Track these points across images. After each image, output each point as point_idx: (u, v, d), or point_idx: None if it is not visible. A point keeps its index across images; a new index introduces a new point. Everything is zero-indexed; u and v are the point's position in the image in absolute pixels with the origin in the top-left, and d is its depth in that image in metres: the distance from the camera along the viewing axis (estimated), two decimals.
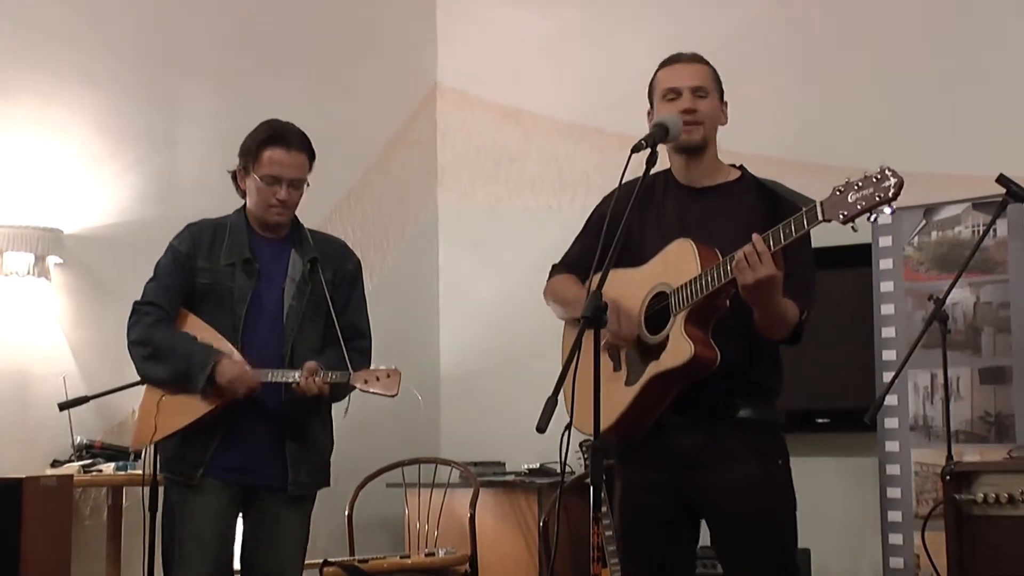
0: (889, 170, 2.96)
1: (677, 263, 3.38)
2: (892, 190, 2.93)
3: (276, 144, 4.22)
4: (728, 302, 3.31)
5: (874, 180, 2.97)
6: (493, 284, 7.39)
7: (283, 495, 4.21)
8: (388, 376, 4.16)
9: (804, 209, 3.10)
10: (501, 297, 7.30)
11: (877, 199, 2.95)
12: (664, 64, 3.63)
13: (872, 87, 6.28)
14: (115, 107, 6.03)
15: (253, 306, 4.23)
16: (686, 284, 3.31)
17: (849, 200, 3.00)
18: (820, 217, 3.05)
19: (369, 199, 7.27)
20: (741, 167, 3.63)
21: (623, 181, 3.26)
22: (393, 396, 4.16)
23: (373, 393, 4.16)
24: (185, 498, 4.18)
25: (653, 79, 3.63)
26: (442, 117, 7.75)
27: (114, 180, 5.98)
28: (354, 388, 4.20)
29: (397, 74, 7.53)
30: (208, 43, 6.49)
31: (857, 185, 2.99)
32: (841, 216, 3.00)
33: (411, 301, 7.44)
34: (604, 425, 3.25)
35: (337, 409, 4.37)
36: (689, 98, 3.51)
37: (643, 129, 3.46)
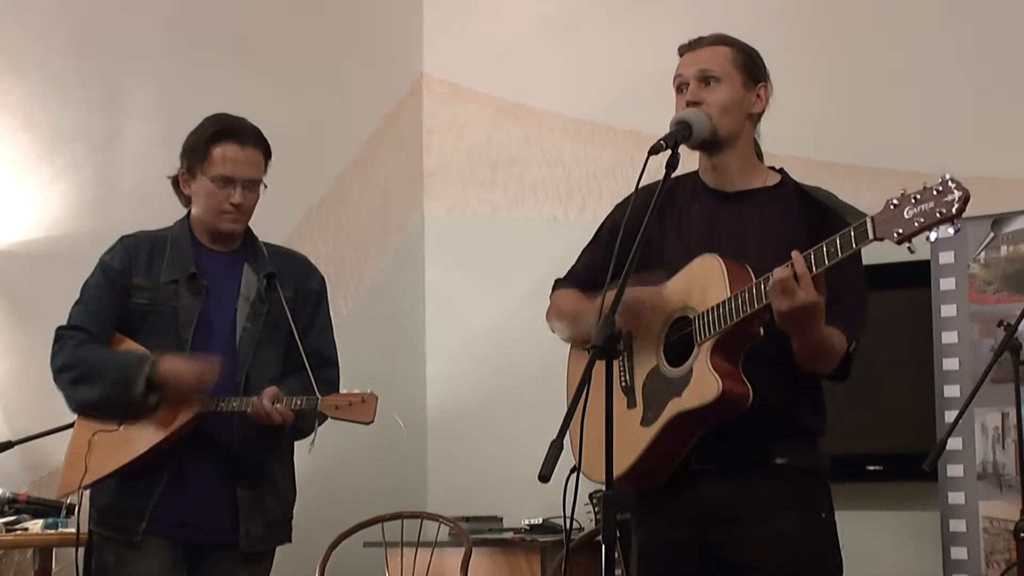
0: (952, 181, 2.94)
1: (702, 283, 3.36)
2: (956, 205, 2.91)
3: (227, 139, 4.22)
4: (762, 330, 3.29)
5: (935, 193, 2.95)
6: (488, 307, 7.38)
7: (235, 553, 4.18)
8: (363, 401, 4.16)
9: (852, 225, 3.09)
10: (498, 322, 7.29)
11: (938, 215, 2.93)
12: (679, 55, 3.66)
13: (930, 79, 6.26)
14: (44, 102, 6.02)
15: (201, 329, 4.22)
16: (712, 309, 3.29)
17: (905, 216, 2.98)
18: (871, 235, 3.03)
19: (344, 208, 7.27)
20: (781, 170, 3.62)
21: (639, 186, 3.26)
22: (368, 423, 4.16)
23: (345, 420, 4.16)
24: (121, 558, 4.14)
25: None
26: (429, 113, 7.77)
27: (44, 187, 5.97)
28: (324, 419, 4.21)
29: (377, 63, 7.54)
30: (154, 27, 6.48)
31: (915, 198, 2.97)
32: (896, 235, 2.98)
33: (393, 327, 7.43)
34: (617, 471, 3.24)
35: (300, 448, 4.36)
36: (694, 88, 3.52)
37: (663, 126, 3.45)
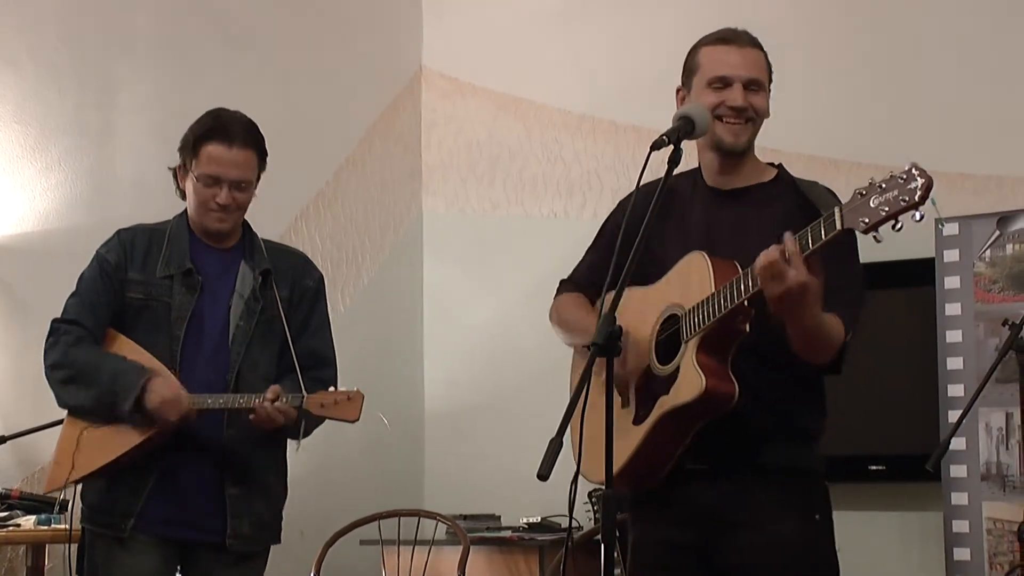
0: (916, 169, 2.96)
1: (689, 281, 3.37)
2: (919, 192, 2.93)
3: (215, 139, 4.20)
4: (748, 326, 3.29)
5: (899, 181, 2.97)
6: (487, 305, 7.38)
7: (226, 553, 4.18)
8: (348, 399, 4.16)
9: (822, 216, 3.10)
10: (497, 320, 7.29)
11: (902, 203, 2.95)
12: (713, 41, 3.56)
13: (936, 75, 6.26)
14: (36, 92, 6.01)
15: (194, 326, 4.22)
16: (698, 306, 3.30)
17: (871, 205, 3.00)
18: (839, 225, 3.05)
19: (341, 204, 7.26)
20: (779, 165, 3.62)
21: (641, 183, 3.25)
22: (353, 421, 4.17)
23: (330, 418, 4.17)
24: (110, 556, 4.14)
25: (696, 54, 3.57)
26: (428, 108, 7.76)
27: (36, 180, 5.96)
28: (320, 422, 4.21)
29: (375, 56, 7.53)
30: (148, 18, 6.47)
31: (880, 187, 2.99)
32: (862, 224, 3.00)
33: (390, 325, 7.43)
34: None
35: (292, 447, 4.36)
36: (742, 93, 3.48)
37: (665, 122, 3.45)
